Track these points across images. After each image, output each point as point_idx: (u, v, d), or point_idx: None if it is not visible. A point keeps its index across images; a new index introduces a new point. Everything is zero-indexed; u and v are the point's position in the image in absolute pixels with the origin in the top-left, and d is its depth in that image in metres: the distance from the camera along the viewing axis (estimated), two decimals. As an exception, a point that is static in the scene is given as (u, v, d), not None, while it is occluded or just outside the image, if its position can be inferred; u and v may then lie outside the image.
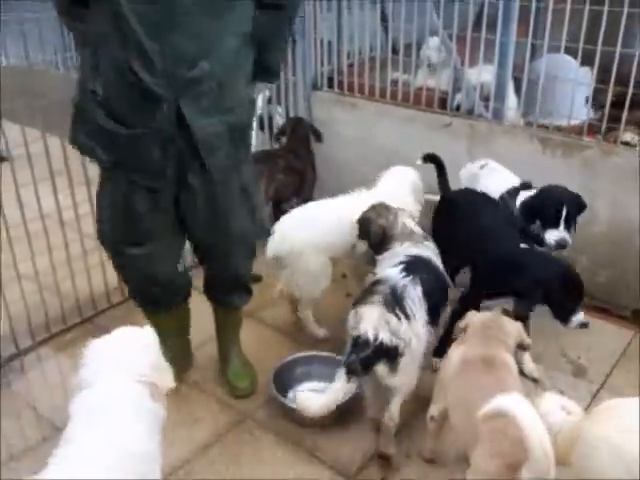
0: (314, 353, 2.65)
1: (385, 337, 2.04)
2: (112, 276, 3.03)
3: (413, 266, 2.29)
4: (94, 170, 2.86)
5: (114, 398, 1.64)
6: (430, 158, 2.99)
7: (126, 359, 1.72)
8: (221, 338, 2.63)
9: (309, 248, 2.67)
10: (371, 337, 2.04)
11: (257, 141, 3.92)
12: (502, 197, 2.81)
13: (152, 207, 2.14)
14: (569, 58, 3.25)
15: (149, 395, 1.69)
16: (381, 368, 2.07)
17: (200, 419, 2.44)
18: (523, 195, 2.77)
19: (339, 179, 3.11)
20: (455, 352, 2.02)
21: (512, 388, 1.81)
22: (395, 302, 2.14)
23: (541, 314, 2.52)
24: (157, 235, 2.22)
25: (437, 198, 2.98)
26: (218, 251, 2.34)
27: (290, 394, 2.51)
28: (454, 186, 2.98)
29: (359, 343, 2.05)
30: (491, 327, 2.01)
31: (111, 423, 1.59)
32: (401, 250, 2.40)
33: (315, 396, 2.11)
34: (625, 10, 2.71)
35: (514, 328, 2.05)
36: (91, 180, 2.75)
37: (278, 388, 2.45)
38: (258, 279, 3.33)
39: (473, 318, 2.09)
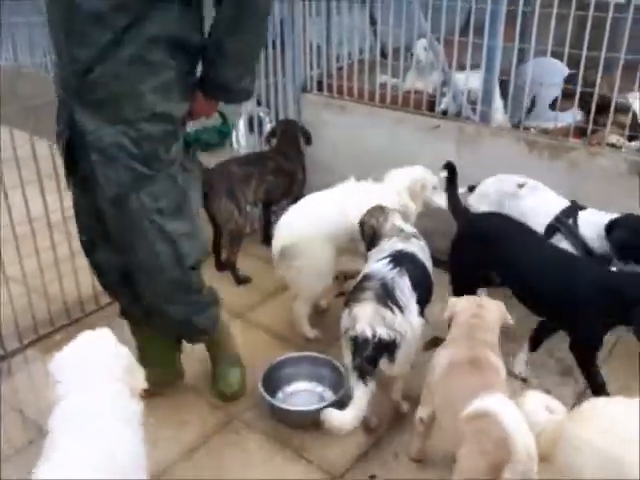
0: (303, 354, 2.65)
1: (382, 332, 2.08)
2: (87, 285, 3.02)
3: (399, 259, 2.32)
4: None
5: (96, 403, 1.63)
6: (448, 167, 2.85)
7: (98, 363, 1.71)
8: (208, 348, 2.59)
9: (316, 238, 2.70)
10: (369, 335, 2.07)
11: (246, 143, 3.94)
12: (558, 220, 2.67)
13: (87, 212, 2.15)
14: (556, 61, 3.28)
15: (129, 395, 1.69)
16: (382, 362, 2.12)
17: (188, 421, 2.43)
18: (587, 218, 2.63)
19: (328, 181, 3.13)
20: (442, 355, 2.02)
21: (498, 389, 1.82)
22: (387, 295, 2.17)
23: (523, 315, 2.54)
24: (101, 242, 2.20)
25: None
26: (132, 274, 2.18)
27: (279, 394, 2.52)
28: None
29: (359, 343, 2.08)
30: (477, 325, 2.02)
31: (98, 427, 1.58)
32: (388, 246, 2.43)
33: (342, 413, 2.06)
34: (610, 15, 2.74)
35: (497, 308, 2.07)
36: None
37: (267, 389, 2.44)
38: (247, 280, 3.35)
39: (456, 308, 2.09)
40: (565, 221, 2.66)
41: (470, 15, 3.18)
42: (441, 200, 2.97)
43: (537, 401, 1.82)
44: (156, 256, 2.07)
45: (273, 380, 2.52)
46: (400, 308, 2.16)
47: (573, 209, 2.69)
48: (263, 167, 3.43)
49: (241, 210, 3.30)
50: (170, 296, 2.17)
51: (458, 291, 2.55)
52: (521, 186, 2.84)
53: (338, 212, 2.76)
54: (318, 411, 2.35)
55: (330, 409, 2.08)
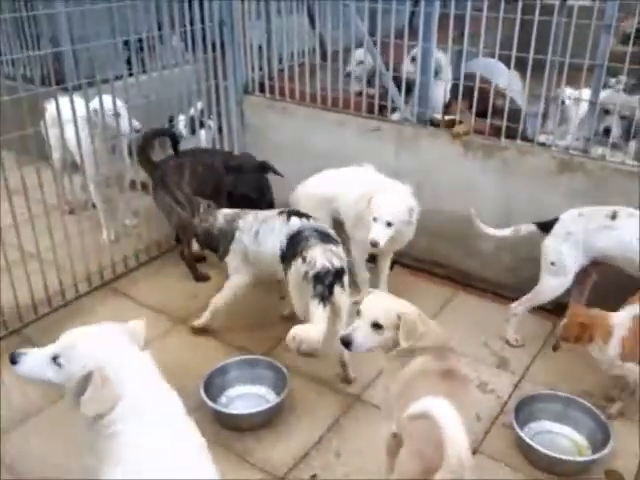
0: (245, 357, 2.67)
1: (337, 262, 2.51)
2: (38, 287, 2.98)
3: (298, 213, 2.73)
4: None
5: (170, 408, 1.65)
6: None
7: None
8: None
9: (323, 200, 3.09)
10: (329, 266, 2.48)
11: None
12: None
13: None
14: (495, 61, 3.38)
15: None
16: (337, 289, 2.49)
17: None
18: None
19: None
20: (414, 362, 1.92)
21: (462, 402, 1.76)
22: (325, 235, 2.60)
23: (464, 307, 2.62)
24: None
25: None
26: None
27: (222, 399, 2.53)
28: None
29: (321, 276, 2.46)
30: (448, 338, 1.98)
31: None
32: (266, 214, 2.79)
33: (311, 326, 2.35)
34: (536, 18, 2.84)
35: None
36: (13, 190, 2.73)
37: (210, 393, 2.45)
38: (206, 278, 3.36)
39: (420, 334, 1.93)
40: None
41: (411, 19, 3.26)
42: (370, 232, 2.83)
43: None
44: None
45: (216, 385, 2.53)
46: (337, 241, 2.62)
47: None
48: (195, 157, 3.38)
49: (178, 201, 3.25)
50: None
51: None
52: (614, 217, 2.61)
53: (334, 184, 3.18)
54: (260, 413, 2.41)
55: (297, 326, 2.32)
